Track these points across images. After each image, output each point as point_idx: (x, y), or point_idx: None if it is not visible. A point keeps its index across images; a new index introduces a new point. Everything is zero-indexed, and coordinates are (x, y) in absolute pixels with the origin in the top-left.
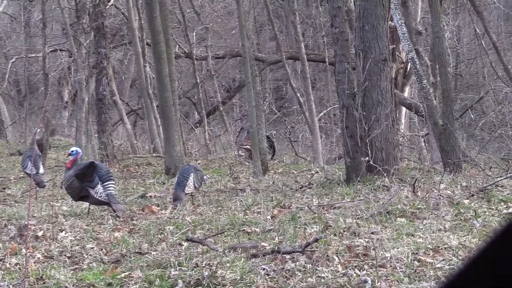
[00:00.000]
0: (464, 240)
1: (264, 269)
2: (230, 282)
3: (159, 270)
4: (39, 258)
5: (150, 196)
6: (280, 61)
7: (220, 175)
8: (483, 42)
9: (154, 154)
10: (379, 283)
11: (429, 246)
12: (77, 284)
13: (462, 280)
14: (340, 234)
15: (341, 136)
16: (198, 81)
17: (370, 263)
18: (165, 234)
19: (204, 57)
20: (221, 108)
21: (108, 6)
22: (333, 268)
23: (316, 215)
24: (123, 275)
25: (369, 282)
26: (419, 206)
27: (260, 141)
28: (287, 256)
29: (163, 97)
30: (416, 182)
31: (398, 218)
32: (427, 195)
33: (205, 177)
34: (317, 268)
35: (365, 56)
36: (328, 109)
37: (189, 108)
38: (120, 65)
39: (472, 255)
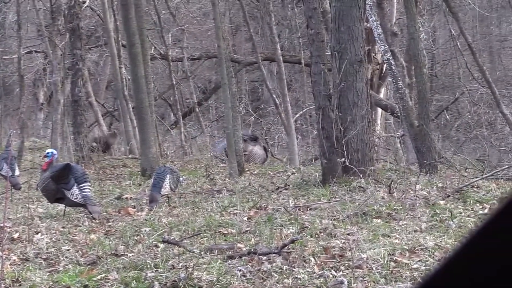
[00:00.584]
0: (440, 241)
1: (240, 270)
2: (206, 284)
3: (135, 272)
4: (14, 260)
5: (126, 198)
6: (256, 63)
7: (196, 177)
8: (458, 43)
9: (130, 156)
10: (355, 284)
11: (405, 247)
12: (53, 286)
13: (438, 281)
14: (317, 235)
15: (317, 137)
16: (174, 82)
17: (347, 264)
18: (141, 235)
19: (179, 58)
20: (197, 110)
21: (83, 8)
22: (309, 269)
23: (292, 216)
24: (99, 277)
25: (346, 283)
26: (395, 207)
27: (236, 142)
28: (264, 258)
29: (138, 99)
30: (392, 183)
31: (374, 219)
32: (403, 196)
33: (181, 178)
34: (294, 269)
35: (340, 58)
36: (304, 110)
37: (165, 109)
38: (95, 66)
39: (448, 256)
